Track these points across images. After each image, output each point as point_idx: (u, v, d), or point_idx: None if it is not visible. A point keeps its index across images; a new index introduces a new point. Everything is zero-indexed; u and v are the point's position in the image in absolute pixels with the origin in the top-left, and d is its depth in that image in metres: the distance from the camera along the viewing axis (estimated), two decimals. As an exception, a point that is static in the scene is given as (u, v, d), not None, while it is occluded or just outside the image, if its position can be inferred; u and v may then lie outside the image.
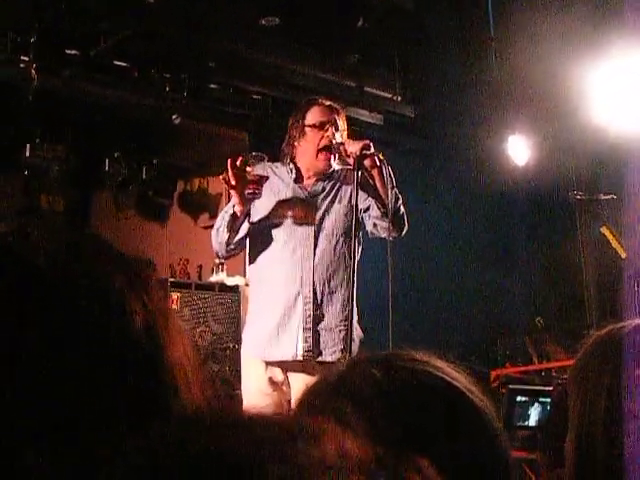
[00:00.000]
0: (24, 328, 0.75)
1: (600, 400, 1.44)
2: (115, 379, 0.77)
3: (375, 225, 3.92)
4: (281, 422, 0.57)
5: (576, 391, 1.54)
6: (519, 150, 6.80)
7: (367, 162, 3.77)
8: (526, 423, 1.75)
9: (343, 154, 3.84)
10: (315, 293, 3.85)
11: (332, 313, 3.86)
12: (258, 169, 3.83)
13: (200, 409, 0.81)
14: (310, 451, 0.53)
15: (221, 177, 3.78)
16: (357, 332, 3.87)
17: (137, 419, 0.76)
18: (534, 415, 1.76)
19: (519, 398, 1.76)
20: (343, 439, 0.55)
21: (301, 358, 3.80)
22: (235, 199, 3.76)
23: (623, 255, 5.15)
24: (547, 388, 1.67)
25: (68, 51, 5.77)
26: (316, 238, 3.90)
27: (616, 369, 1.41)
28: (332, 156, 3.94)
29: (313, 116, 3.98)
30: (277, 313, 3.85)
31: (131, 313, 0.80)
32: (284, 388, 3.85)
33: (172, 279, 6.48)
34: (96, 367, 0.76)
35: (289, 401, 3.83)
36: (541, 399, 1.75)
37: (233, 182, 3.69)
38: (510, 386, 1.77)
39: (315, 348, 3.82)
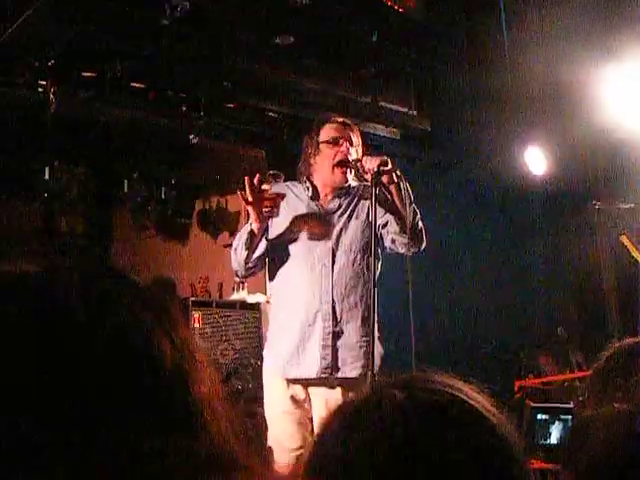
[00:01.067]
0: (57, 368, 0.77)
1: (619, 416, 1.44)
2: (142, 406, 0.79)
3: (394, 241, 3.91)
4: None
5: (594, 406, 1.54)
6: (536, 160, 6.78)
7: (385, 178, 3.77)
8: (548, 441, 1.75)
9: (360, 170, 3.85)
10: (334, 310, 3.85)
11: (352, 329, 3.85)
12: (275, 188, 3.85)
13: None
14: None
15: (239, 193, 3.80)
16: (378, 348, 3.86)
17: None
18: (555, 433, 1.76)
19: (540, 416, 1.76)
20: None
21: (319, 375, 3.80)
22: (252, 216, 3.79)
23: (643, 263, 5.12)
24: (568, 406, 1.67)
25: (85, 74, 5.81)
26: (334, 255, 3.90)
27: (632, 384, 1.41)
28: (348, 171, 3.95)
29: (327, 133, 4.00)
30: (297, 331, 3.85)
31: (160, 352, 0.82)
32: (306, 405, 3.85)
33: (193, 298, 6.52)
34: (124, 393, 0.78)
35: (311, 418, 3.83)
36: (562, 417, 1.75)
37: (250, 199, 3.71)
38: (531, 404, 1.77)
39: (333, 365, 3.81)
